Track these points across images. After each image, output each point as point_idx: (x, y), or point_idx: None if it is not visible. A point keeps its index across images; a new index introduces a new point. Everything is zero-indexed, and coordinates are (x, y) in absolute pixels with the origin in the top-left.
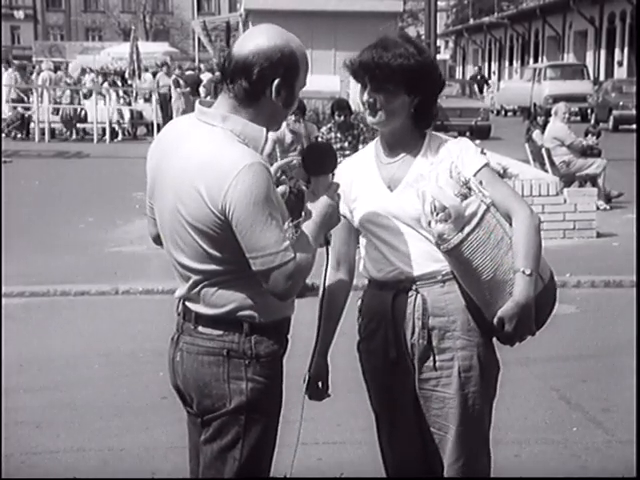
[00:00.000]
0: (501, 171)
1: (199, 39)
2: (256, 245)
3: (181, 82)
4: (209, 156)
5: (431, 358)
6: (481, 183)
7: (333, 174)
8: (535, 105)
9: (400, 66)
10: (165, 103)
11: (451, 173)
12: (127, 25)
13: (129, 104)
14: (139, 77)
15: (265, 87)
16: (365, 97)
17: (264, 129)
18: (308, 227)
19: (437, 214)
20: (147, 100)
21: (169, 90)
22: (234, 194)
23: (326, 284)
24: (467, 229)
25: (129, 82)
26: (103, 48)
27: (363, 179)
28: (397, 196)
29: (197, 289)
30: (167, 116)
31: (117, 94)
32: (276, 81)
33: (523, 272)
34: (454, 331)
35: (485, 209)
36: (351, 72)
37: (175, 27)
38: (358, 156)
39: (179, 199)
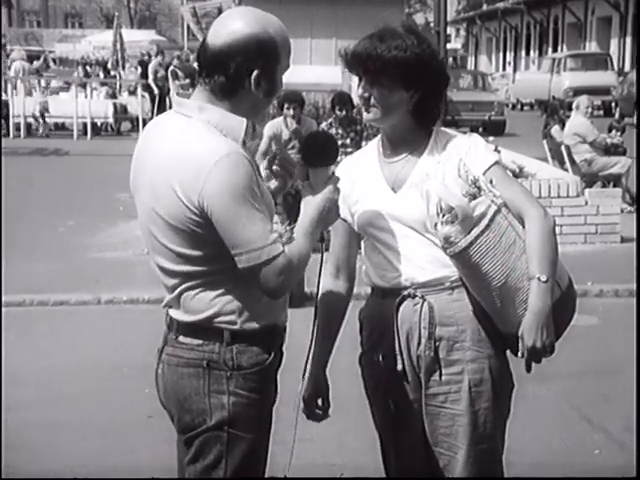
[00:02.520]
0: (517, 170)
1: (188, 27)
2: (240, 241)
3: (179, 73)
4: (182, 149)
5: (438, 371)
6: (491, 182)
7: (334, 167)
8: (554, 98)
9: (395, 58)
10: (162, 97)
11: (459, 171)
12: (110, 11)
13: (113, 97)
14: (123, 68)
15: (243, 80)
16: (359, 91)
17: (244, 120)
18: (303, 220)
19: (443, 215)
20: (132, 93)
21: (166, 82)
22: (211, 188)
23: (324, 292)
24: (475, 231)
25: (112, 73)
26: (84, 36)
27: (365, 179)
28: (401, 197)
29: (176, 293)
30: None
31: (90, 86)
32: (255, 72)
33: (539, 279)
34: (463, 342)
35: (495, 210)
36: (345, 64)
37: (162, 13)
38: (360, 154)
39: (154, 197)
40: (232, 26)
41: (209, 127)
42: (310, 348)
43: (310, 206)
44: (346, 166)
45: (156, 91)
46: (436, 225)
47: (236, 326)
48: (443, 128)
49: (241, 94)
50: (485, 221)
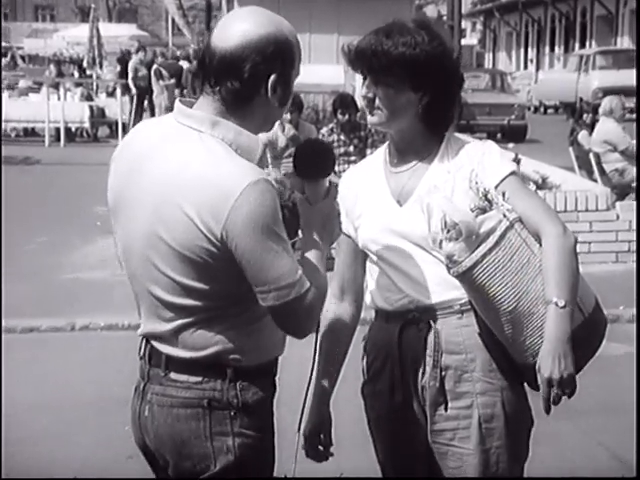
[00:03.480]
0: (539, 181)
1: (173, 20)
2: (268, 277)
3: (164, 73)
4: (201, 171)
5: (445, 405)
6: (505, 194)
7: (335, 178)
8: (581, 100)
9: (402, 56)
10: (141, 99)
11: (470, 183)
12: (86, 3)
13: (89, 99)
14: (100, 66)
15: (259, 85)
16: (363, 91)
17: (260, 139)
18: (311, 247)
19: (448, 231)
20: (110, 94)
21: (149, 83)
22: (238, 219)
23: (327, 316)
24: (482, 249)
25: (88, 72)
26: (56, 31)
27: (369, 191)
28: (407, 211)
29: (171, 327)
30: (140, 116)
31: (64, 87)
32: (272, 77)
33: (556, 304)
34: (473, 372)
35: (507, 226)
36: (347, 61)
37: (144, 5)
38: (365, 164)
39: (160, 221)
40: (243, 26)
41: (225, 146)
42: (310, 378)
43: (311, 228)
44: (350, 177)
45: (134, 91)
46: (441, 243)
47: (240, 363)
48: (456, 134)
49: (256, 102)
50: (494, 238)
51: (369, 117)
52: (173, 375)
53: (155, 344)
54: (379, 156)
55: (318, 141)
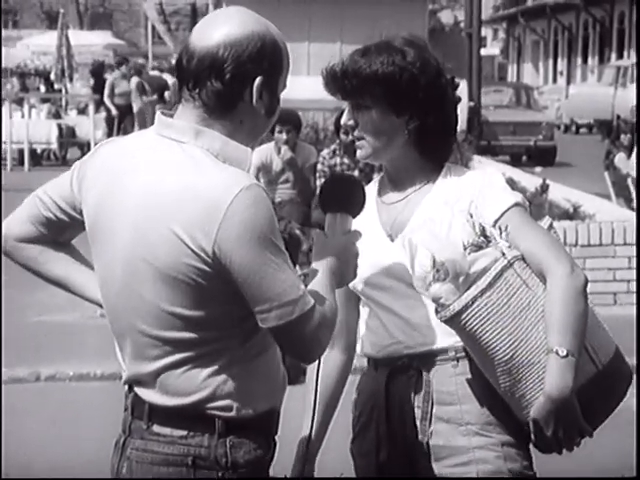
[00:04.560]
0: (570, 210)
1: (153, 27)
2: (269, 294)
3: (147, 87)
4: (185, 182)
5: (438, 463)
6: (506, 229)
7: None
8: (618, 118)
9: (374, 75)
10: (122, 117)
11: (469, 216)
12: (53, 7)
13: (57, 117)
14: (70, 79)
15: (243, 89)
16: (343, 119)
17: (249, 150)
18: (321, 271)
19: (437, 270)
20: (82, 112)
21: (129, 99)
22: (231, 230)
23: (314, 366)
24: (472, 291)
25: (56, 86)
26: (20, 38)
27: (360, 224)
28: (399, 248)
29: (157, 367)
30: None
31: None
32: (258, 79)
33: (556, 353)
34: (468, 425)
35: (504, 265)
36: (323, 84)
37: (120, 10)
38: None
39: (142, 243)
40: (227, 25)
41: (210, 157)
42: (310, 434)
43: (329, 254)
44: None
45: (114, 112)
46: (430, 283)
47: (231, 413)
48: (477, 160)
49: (240, 109)
50: (487, 279)
51: (358, 151)
52: (156, 428)
53: (139, 391)
54: (373, 186)
55: (352, 177)
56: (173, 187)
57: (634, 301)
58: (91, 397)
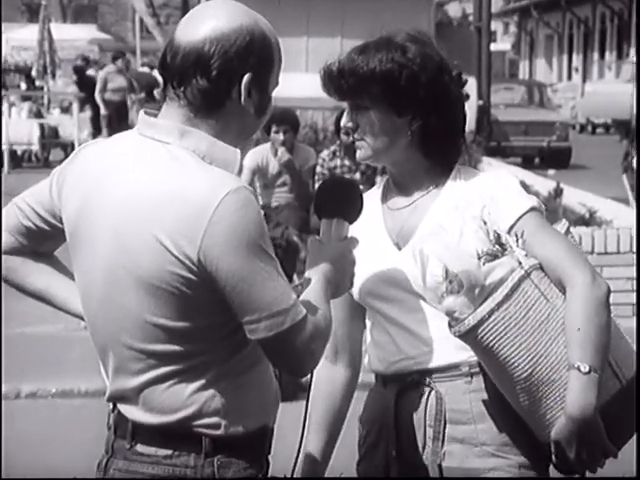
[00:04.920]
0: (586, 215)
1: (141, 21)
2: (258, 303)
3: (135, 85)
4: (168, 186)
5: None
6: (522, 235)
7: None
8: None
9: (371, 73)
10: (117, 115)
11: (482, 222)
12: None
13: (38, 116)
14: (53, 76)
15: (231, 86)
16: (343, 121)
17: (238, 151)
18: (314, 281)
19: (450, 282)
20: (65, 110)
21: (125, 97)
22: (217, 235)
23: (318, 381)
24: (489, 304)
25: (38, 83)
26: None
27: (363, 232)
28: (407, 257)
29: (141, 382)
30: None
31: (8, 102)
32: (246, 76)
33: (578, 369)
34: (483, 445)
35: (522, 275)
36: (321, 84)
37: (106, 2)
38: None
39: (123, 250)
40: (212, 19)
41: (196, 158)
42: (298, 455)
43: (324, 261)
44: None
45: (103, 110)
46: (443, 296)
47: (219, 431)
48: (465, 167)
49: (228, 108)
50: (504, 290)
51: (357, 152)
52: (140, 447)
53: (122, 408)
54: (377, 191)
55: (349, 181)
56: (156, 190)
57: None
58: (75, 415)
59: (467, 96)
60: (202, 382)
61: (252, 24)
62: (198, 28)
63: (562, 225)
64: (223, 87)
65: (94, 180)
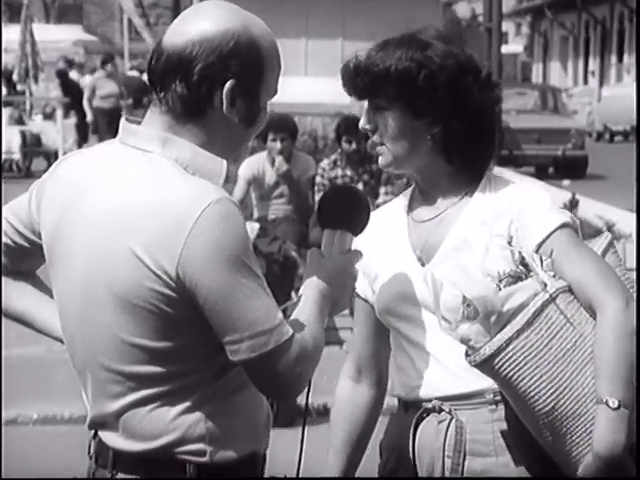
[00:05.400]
0: (603, 228)
1: (130, 21)
2: (239, 322)
3: (122, 90)
4: (148, 197)
5: None
6: (551, 254)
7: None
8: None
9: (387, 72)
10: (108, 125)
11: (507, 241)
12: None
13: (20, 123)
14: (35, 80)
15: (212, 93)
16: (361, 122)
17: (224, 162)
18: (311, 294)
19: (468, 306)
20: (48, 117)
21: (116, 103)
22: (197, 249)
23: (339, 402)
24: (507, 332)
25: (19, 88)
26: None
27: (387, 246)
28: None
29: (121, 406)
30: None
31: None
32: (228, 83)
33: (607, 404)
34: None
35: (545, 300)
36: (341, 82)
37: (91, 1)
38: (386, 209)
39: (100, 266)
40: (199, 22)
41: (178, 168)
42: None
43: (320, 277)
44: (369, 224)
45: (90, 117)
46: (458, 323)
47: (205, 458)
48: (497, 173)
49: (210, 116)
50: (524, 317)
51: (379, 159)
52: (121, 476)
53: (103, 435)
54: (403, 200)
55: (355, 190)
56: (134, 202)
57: None
58: (58, 443)
59: (498, 99)
60: (185, 406)
61: (239, 28)
62: (183, 30)
63: (603, 239)
64: (203, 93)
65: (72, 192)
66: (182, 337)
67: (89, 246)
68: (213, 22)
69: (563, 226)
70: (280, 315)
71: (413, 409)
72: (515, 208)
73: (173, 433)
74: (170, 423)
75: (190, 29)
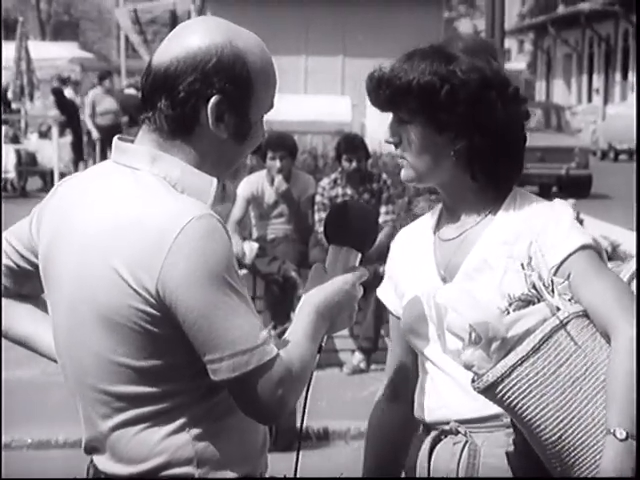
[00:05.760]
0: (608, 249)
1: (127, 38)
2: (219, 340)
3: (118, 109)
4: (128, 215)
5: None
6: (568, 277)
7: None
8: None
9: (408, 85)
10: (108, 142)
11: (529, 261)
12: (10, 14)
13: (15, 141)
14: (31, 98)
15: (198, 110)
16: (386, 134)
17: (214, 180)
18: (306, 312)
19: (473, 331)
20: (44, 135)
21: (115, 118)
22: (177, 266)
23: (374, 420)
24: (511, 359)
25: (14, 106)
26: None
27: (415, 263)
28: (490, 302)
29: (104, 429)
30: None
31: None
32: (213, 99)
33: (614, 434)
34: None
35: (555, 326)
36: (366, 92)
37: (88, 18)
38: (417, 226)
39: (83, 284)
40: (187, 39)
41: (166, 185)
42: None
43: (319, 294)
44: (398, 244)
45: (95, 135)
46: (462, 349)
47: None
48: (523, 190)
49: (198, 134)
50: (530, 343)
51: (401, 172)
52: None
53: (96, 460)
54: (431, 218)
55: (367, 207)
56: (117, 220)
57: None
58: (53, 468)
59: (527, 114)
60: (172, 428)
61: (223, 43)
62: (169, 48)
63: (632, 265)
64: (189, 111)
65: (62, 214)
66: (167, 356)
67: (74, 266)
68: (197, 38)
69: (583, 248)
70: (264, 335)
71: (432, 431)
72: (536, 228)
73: (159, 456)
74: (156, 445)
75: (174, 46)
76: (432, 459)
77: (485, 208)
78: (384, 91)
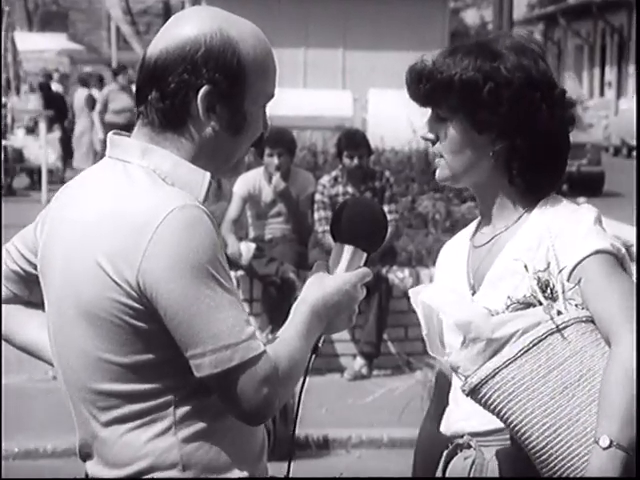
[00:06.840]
0: (622, 249)
1: (118, 29)
2: (201, 335)
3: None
4: (112, 207)
5: None
6: (579, 282)
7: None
8: None
9: (450, 80)
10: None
11: (547, 266)
12: None
13: (1, 137)
14: (17, 92)
15: (188, 101)
16: (423, 130)
17: (207, 174)
18: (301, 310)
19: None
20: (31, 131)
21: (130, 117)
22: (157, 256)
23: (422, 437)
24: (495, 362)
25: (2, 100)
26: None
27: (450, 270)
28: (478, 302)
29: (91, 430)
30: None
31: None
32: (202, 90)
33: (597, 442)
34: None
35: (549, 330)
36: (405, 85)
37: (77, 9)
38: (461, 234)
39: (69, 279)
40: (177, 28)
41: (154, 177)
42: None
43: (316, 293)
44: (445, 249)
45: (101, 135)
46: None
47: None
48: (558, 196)
49: (190, 126)
50: (518, 346)
51: (436, 172)
52: None
53: (87, 465)
54: (472, 225)
55: (378, 206)
56: (101, 213)
57: None
58: (41, 477)
59: (572, 119)
60: (159, 429)
61: (212, 32)
62: (160, 39)
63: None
64: (179, 102)
65: (59, 212)
66: (152, 352)
67: (61, 263)
68: (187, 28)
69: (598, 252)
70: (250, 330)
71: (450, 445)
72: (553, 233)
73: (144, 460)
74: (141, 448)
75: (165, 37)
76: (445, 475)
77: (517, 214)
78: (424, 85)
